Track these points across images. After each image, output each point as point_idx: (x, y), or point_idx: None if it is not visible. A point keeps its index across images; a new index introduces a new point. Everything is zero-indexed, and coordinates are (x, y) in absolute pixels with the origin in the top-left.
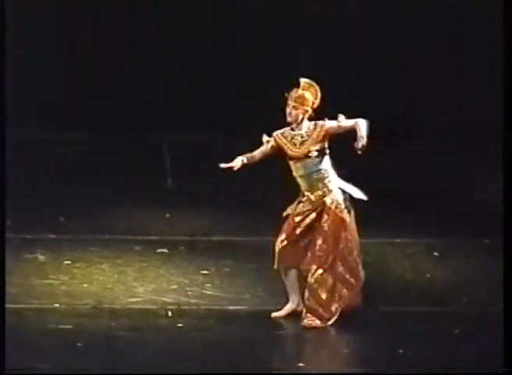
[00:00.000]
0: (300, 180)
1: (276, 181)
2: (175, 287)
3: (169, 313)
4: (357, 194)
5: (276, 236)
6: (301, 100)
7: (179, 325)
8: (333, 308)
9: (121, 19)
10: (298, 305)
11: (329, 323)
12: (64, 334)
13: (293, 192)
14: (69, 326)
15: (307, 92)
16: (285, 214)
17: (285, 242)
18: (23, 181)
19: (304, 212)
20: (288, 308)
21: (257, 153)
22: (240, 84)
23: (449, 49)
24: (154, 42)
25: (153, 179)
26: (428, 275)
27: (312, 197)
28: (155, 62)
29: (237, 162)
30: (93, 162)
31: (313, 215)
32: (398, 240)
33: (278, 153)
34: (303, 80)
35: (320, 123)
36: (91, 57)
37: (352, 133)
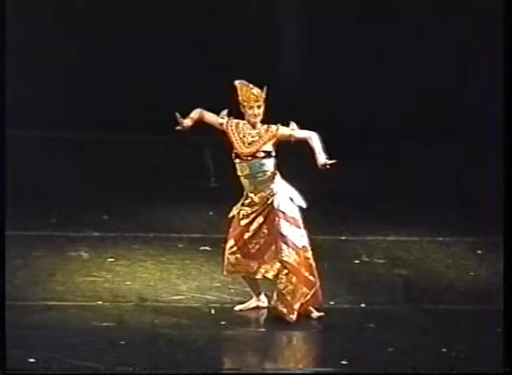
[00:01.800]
0: (244, 181)
1: (311, 180)
2: (218, 284)
3: (212, 311)
4: (298, 200)
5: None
6: (262, 98)
7: (222, 323)
8: (296, 307)
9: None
10: (262, 300)
11: (293, 321)
12: (107, 332)
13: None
14: (113, 324)
15: (260, 90)
16: (230, 215)
17: (234, 248)
18: (67, 180)
19: (249, 214)
20: (252, 302)
21: (208, 116)
22: (279, 82)
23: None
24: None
25: (196, 177)
26: (472, 273)
27: (256, 198)
28: (193, 66)
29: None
30: (137, 161)
31: (260, 219)
32: (441, 238)
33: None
34: (242, 81)
35: (273, 126)
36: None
37: (303, 143)
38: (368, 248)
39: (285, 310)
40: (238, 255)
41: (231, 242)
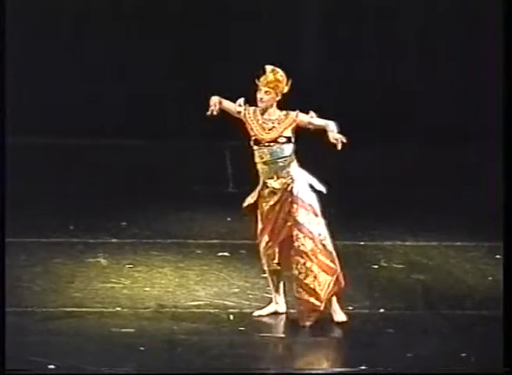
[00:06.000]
0: (263, 167)
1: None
2: (236, 290)
3: (231, 317)
4: (318, 185)
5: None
6: (274, 84)
7: (241, 328)
8: (323, 295)
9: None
10: (280, 306)
11: (322, 309)
12: (126, 338)
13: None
14: (132, 330)
15: (279, 77)
16: (246, 204)
17: (270, 244)
18: (81, 186)
19: (273, 206)
20: (270, 307)
21: (226, 103)
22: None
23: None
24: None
25: (215, 183)
26: (490, 278)
27: (275, 184)
28: (217, 73)
29: (214, 102)
30: (155, 166)
31: (286, 208)
32: (460, 243)
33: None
34: (270, 67)
35: (292, 113)
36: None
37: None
38: (387, 253)
39: (313, 299)
40: (273, 249)
41: (265, 238)
